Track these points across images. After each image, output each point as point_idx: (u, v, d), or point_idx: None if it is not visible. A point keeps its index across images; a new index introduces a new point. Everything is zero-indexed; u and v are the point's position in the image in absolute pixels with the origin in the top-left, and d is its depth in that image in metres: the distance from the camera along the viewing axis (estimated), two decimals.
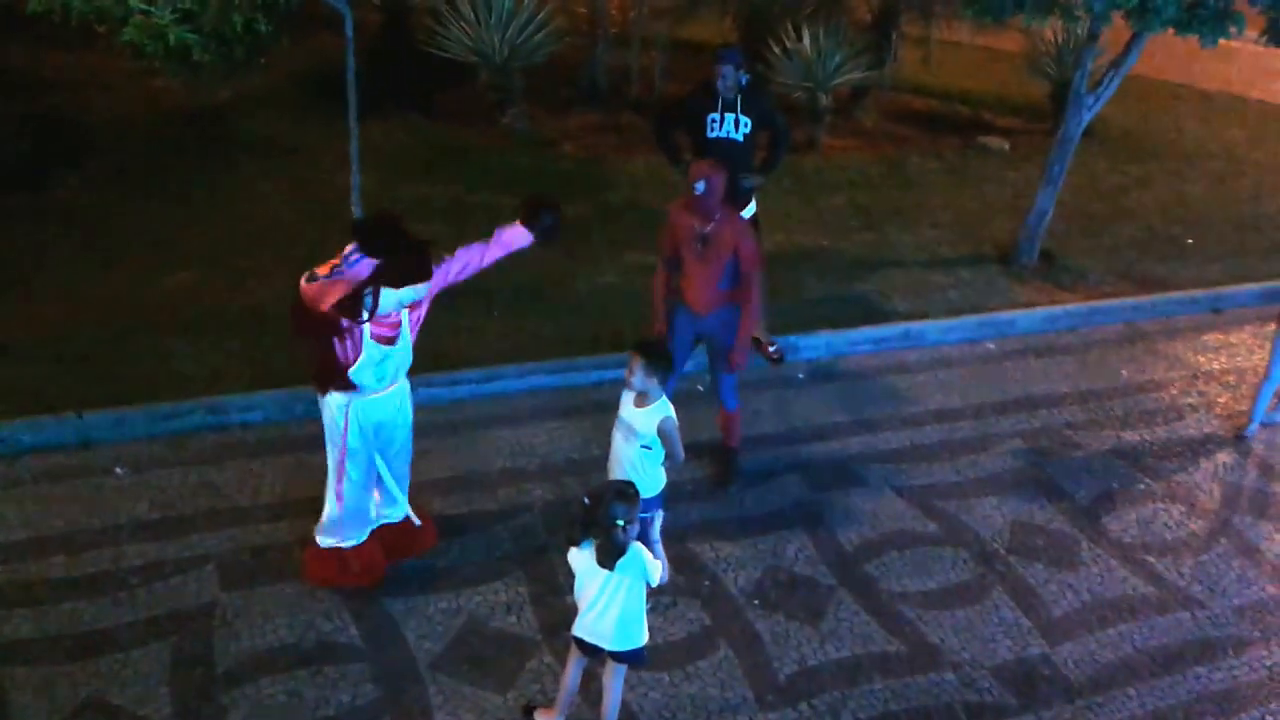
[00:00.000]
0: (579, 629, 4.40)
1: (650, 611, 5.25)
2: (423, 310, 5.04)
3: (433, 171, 9.69)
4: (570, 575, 4.41)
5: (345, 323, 4.68)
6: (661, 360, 4.95)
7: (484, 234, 5.21)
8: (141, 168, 9.07)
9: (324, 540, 5.29)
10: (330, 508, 5.21)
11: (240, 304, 7.36)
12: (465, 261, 5.05)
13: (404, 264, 4.59)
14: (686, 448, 5.24)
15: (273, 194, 8.91)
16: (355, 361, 4.85)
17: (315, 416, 6.38)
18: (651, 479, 5.08)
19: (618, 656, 4.42)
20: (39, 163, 8.77)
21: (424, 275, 4.69)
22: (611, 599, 4.27)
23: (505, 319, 7.49)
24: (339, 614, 5.17)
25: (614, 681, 4.49)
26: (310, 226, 8.30)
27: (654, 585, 4.32)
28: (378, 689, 4.80)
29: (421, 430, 6.40)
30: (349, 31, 6.79)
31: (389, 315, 4.80)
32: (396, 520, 5.51)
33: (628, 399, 5.03)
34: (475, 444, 6.46)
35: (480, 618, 5.24)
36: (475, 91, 11.09)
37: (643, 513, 4.68)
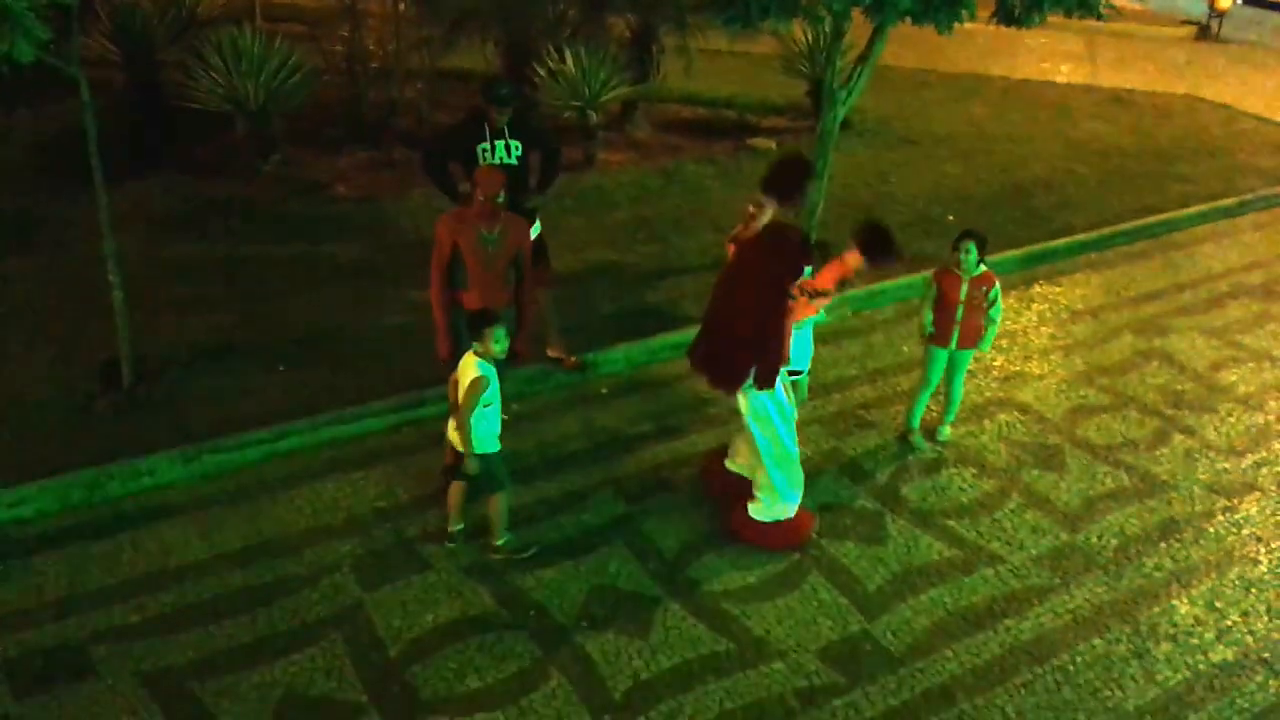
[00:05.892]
0: None
1: (477, 650, 5.17)
2: None
3: (200, 229, 9.24)
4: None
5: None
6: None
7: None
8: None
9: (767, 514, 6.03)
10: (772, 478, 5.94)
11: None
12: None
13: (884, 242, 5.69)
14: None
15: (24, 272, 8.30)
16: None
17: (94, 505, 6.01)
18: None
19: None
20: None
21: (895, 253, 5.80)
22: None
23: (291, 373, 7.19)
24: (146, 708, 4.84)
25: None
26: (68, 302, 7.78)
27: None
28: None
29: (213, 500, 6.10)
30: (85, 95, 6.39)
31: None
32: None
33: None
34: (274, 507, 6.15)
35: (298, 688, 5.00)
36: (236, 142, 10.67)
37: None
